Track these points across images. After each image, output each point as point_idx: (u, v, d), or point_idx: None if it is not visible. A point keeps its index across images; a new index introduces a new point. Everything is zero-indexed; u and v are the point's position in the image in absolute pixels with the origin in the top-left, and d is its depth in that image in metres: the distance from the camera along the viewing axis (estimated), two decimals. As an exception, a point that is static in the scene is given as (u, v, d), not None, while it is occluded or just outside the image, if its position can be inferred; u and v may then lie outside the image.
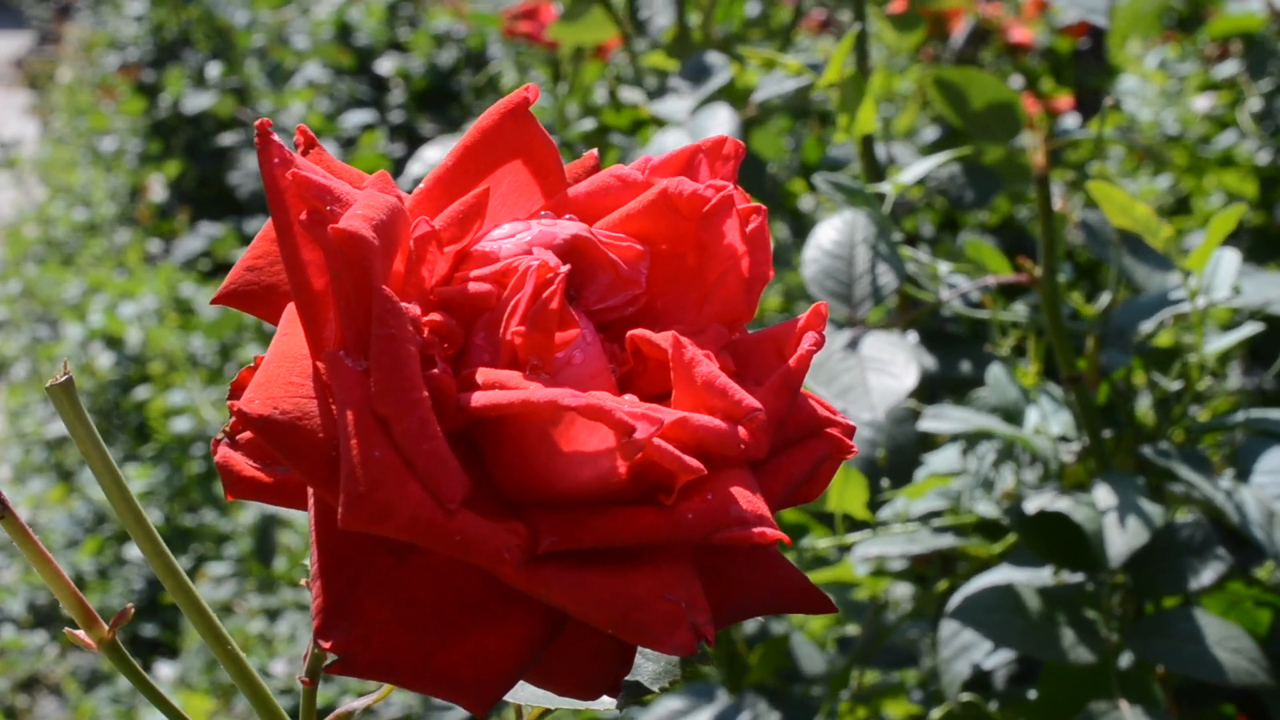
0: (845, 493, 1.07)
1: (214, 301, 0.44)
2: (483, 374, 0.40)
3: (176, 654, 2.52)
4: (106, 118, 5.24)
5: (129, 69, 4.96)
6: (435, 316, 0.41)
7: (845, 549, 1.18)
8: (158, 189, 4.58)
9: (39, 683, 2.58)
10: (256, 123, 0.41)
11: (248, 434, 0.41)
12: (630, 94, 1.75)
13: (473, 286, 0.41)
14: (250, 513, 2.65)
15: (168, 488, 2.88)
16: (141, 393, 3.21)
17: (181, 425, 2.97)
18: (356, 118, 3.76)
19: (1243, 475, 0.99)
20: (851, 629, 1.41)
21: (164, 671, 2.38)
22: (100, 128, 5.25)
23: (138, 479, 2.87)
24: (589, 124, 1.69)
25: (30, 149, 6.48)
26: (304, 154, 0.44)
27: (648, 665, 0.48)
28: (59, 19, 9.64)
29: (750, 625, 1.34)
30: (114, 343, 3.40)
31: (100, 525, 2.86)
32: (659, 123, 1.55)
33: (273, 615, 2.49)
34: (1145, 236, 0.97)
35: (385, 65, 4.05)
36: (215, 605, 2.52)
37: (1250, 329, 1.01)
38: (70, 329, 3.48)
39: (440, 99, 3.96)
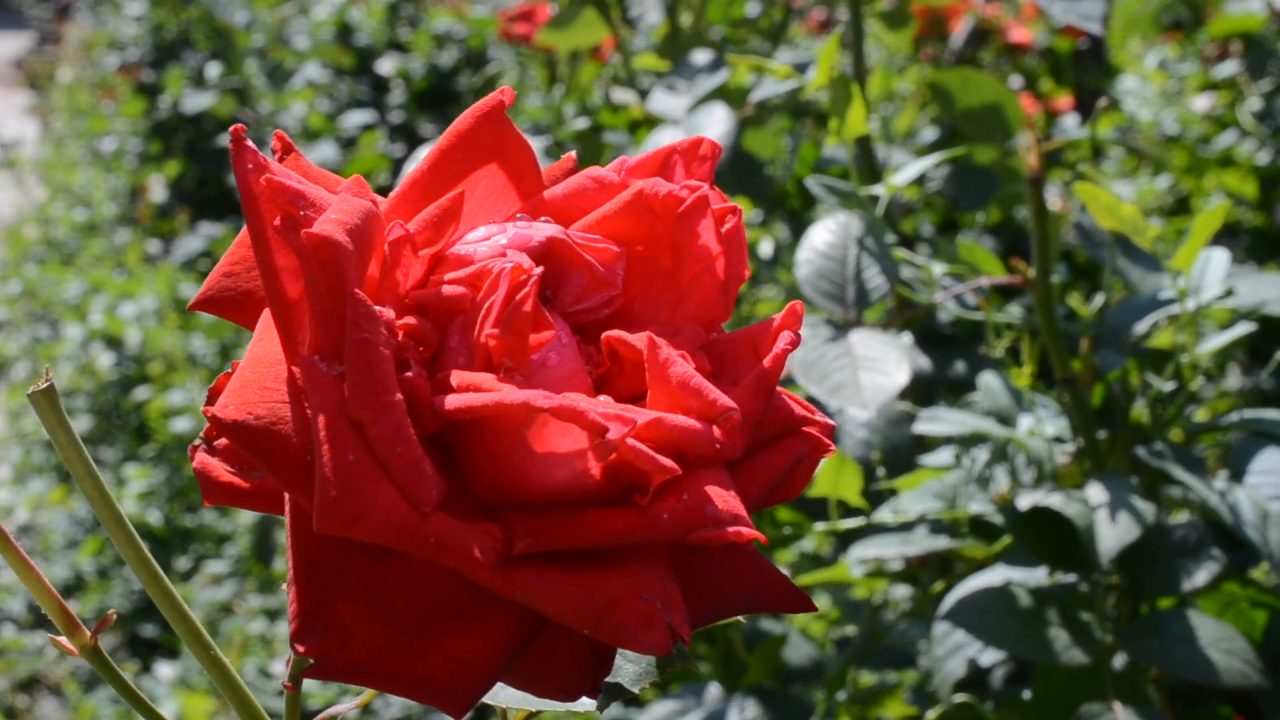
0: (840, 480, 1.07)
1: (191, 308, 0.44)
2: (457, 377, 0.40)
3: (177, 654, 2.52)
4: (106, 118, 5.24)
5: (129, 69, 4.97)
6: (410, 320, 0.41)
7: (842, 546, 1.18)
8: (158, 189, 4.58)
9: (39, 683, 2.58)
10: (231, 129, 0.41)
11: (224, 440, 0.41)
12: (623, 94, 1.74)
13: (447, 290, 0.41)
14: (249, 513, 2.65)
15: (168, 488, 2.88)
16: (141, 393, 3.22)
17: (181, 425, 2.97)
18: (356, 118, 3.76)
19: (1237, 476, 0.98)
20: (851, 630, 1.41)
21: (164, 672, 2.38)
22: (100, 128, 5.26)
23: (138, 479, 2.87)
24: (581, 123, 1.68)
25: (30, 149, 6.49)
26: (281, 159, 0.44)
27: (628, 666, 0.48)
28: (59, 19, 9.65)
29: (748, 626, 1.34)
30: (114, 343, 3.41)
31: (100, 526, 2.86)
32: (652, 123, 1.55)
33: (272, 615, 2.49)
34: (1133, 237, 0.97)
35: (385, 65, 4.05)
36: (215, 605, 2.52)
37: (1242, 329, 1.01)
38: (70, 329, 3.49)
39: (441, 99, 3.95)
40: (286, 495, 0.40)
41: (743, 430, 0.41)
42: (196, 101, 4.30)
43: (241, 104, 4.23)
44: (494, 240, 0.43)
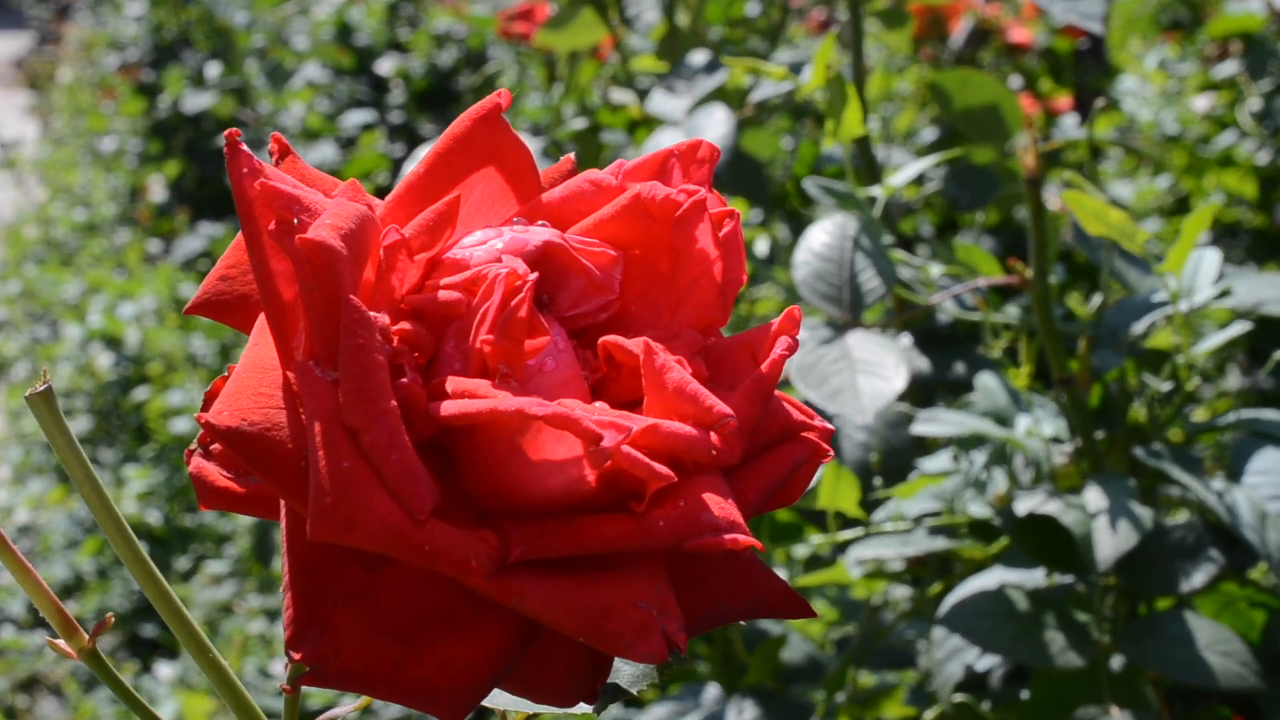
0: (838, 491, 1.07)
1: (187, 312, 0.44)
2: (452, 383, 0.39)
3: (177, 654, 2.52)
4: (106, 118, 5.24)
5: (129, 69, 4.97)
6: (405, 325, 0.41)
7: (840, 548, 1.18)
8: (157, 189, 4.58)
9: (39, 683, 2.58)
10: (225, 134, 0.41)
11: (219, 445, 0.41)
12: (621, 95, 1.74)
13: (442, 295, 0.41)
14: (249, 514, 2.65)
15: (167, 488, 2.88)
16: (141, 393, 3.22)
17: (181, 426, 2.97)
18: (356, 118, 3.76)
19: (1235, 476, 0.98)
20: (850, 630, 1.41)
21: (164, 672, 2.37)
22: (100, 128, 5.25)
23: (137, 480, 2.87)
24: (579, 123, 1.68)
25: (30, 149, 6.48)
26: (278, 162, 0.44)
27: (626, 668, 0.47)
28: (59, 19, 9.65)
29: (747, 627, 1.34)
30: (113, 343, 3.41)
31: (100, 527, 2.86)
32: (650, 123, 1.55)
33: (272, 615, 2.49)
34: (1122, 242, 0.97)
35: (385, 65, 4.05)
36: (215, 605, 2.52)
37: (1237, 329, 1.01)
38: (70, 329, 3.49)
39: (440, 99, 3.95)
40: (282, 501, 0.40)
41: (739, 436, 0.41)
42: (196, 101, 4.29)
43: (241, 104, 4.23)
44: (490, 245, 0.43)
